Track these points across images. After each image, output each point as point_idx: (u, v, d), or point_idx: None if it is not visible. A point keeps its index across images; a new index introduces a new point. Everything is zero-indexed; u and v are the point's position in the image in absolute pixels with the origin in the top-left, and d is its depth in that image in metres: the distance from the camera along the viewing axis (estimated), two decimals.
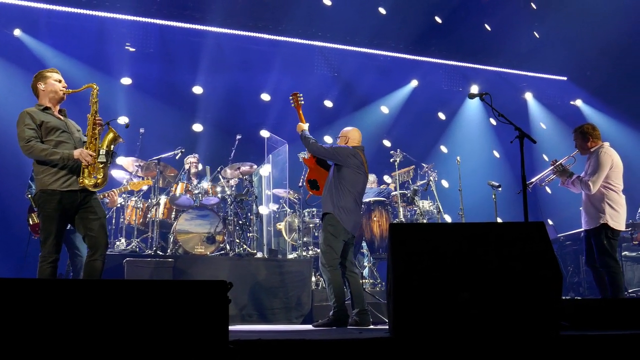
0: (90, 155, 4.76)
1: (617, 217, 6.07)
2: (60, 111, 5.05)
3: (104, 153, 4.84)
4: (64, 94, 5.01)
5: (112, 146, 4.94)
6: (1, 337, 2.64)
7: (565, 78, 13.30)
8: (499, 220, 8.64)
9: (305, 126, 6.51)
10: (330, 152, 6.17)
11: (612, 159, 6.16)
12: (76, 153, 4.72)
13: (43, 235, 4.68)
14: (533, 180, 6.59)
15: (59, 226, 4.69)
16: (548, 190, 13.03)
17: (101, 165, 4.81)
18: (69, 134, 4.89)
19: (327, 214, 6.07)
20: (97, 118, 4.96)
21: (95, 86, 5.10)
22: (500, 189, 8.49)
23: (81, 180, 4.74)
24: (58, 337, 2.70)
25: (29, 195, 6.88)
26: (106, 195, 7.52)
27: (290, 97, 6.66)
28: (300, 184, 8.56)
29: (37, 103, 5.01)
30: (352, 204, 6.06)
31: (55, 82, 4.99)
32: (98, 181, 4.78)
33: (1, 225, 9.18)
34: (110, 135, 4.95)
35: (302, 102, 6.65)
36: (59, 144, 4.80)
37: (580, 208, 6.40)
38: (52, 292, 2.79)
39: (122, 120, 7.58)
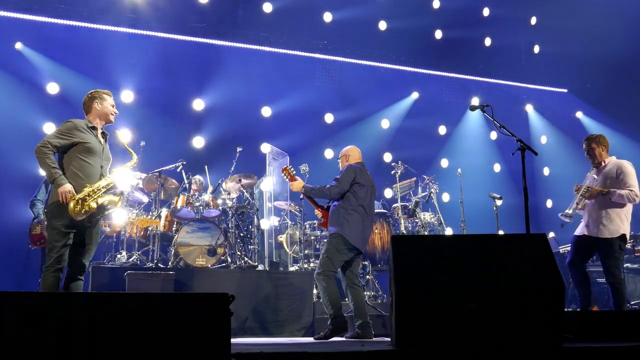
0: (73, 200, 4.73)
1: (628, 229, 6.16)
2: (103, 134, 5.15)
3: (97, 205, 4.84)
4: (112, 120, 5.20)
5: (109, 206, 4.92)
6: (8, 349, 2.63)
7: (565, 90, 13.33)
8: (501, 232, 8.62)
9: (299, 184, 6.48)
10: (344, 181, 6.12)
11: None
12: (62, 189, 4.72)
13: (49, 246, 4.75)
14: (569, 211, 6.34)
15: (65, 239, 4.74)
16: (549, 203, 13.04)
17: (92, 207, 4.81)
18: (100, 159, 5.00)
19: (333, 233, 6.08)
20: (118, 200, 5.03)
21: (134, 164, 5.33)
22: (501, 201, 8.48)
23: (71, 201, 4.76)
24: (60, 349, 2.68)
25: (42, 207, 6.99)
26: (108, 224, 7.64)
27: (282, 174, 6.78)
28: (301, 197, 8.54)
29: (86, 118, 5.10)
30: (359, 220, 6.07)
31: (110, 106, 5.14)
32: (77, 212, 4.75)
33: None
34: (114, 199, 4.95)
35: (294, 172, 6.76)
36: (85, 166, 4.89)
37: (585, 217, 6.35)
38: (55, 304, 2.78)
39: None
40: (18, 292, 2.82)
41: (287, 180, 6.82)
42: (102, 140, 5.08)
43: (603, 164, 6.38)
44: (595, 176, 6.37)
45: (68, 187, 4.72)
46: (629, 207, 6.17)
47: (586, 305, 6.14)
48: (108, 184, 4.92)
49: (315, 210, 6.67)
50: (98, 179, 4.92)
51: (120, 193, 5.10)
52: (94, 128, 5.03)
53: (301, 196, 7.90)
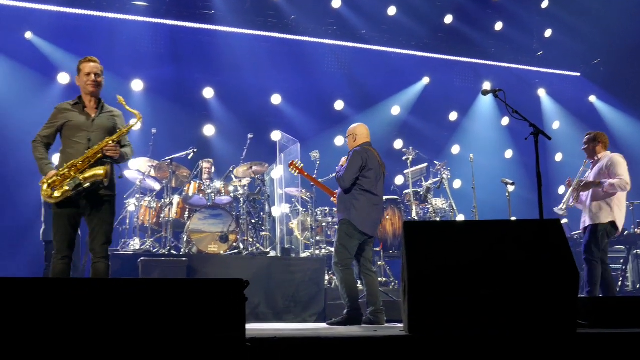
0: (58, 176, 4.60)
1: (621, 217, 6.54)
2: (99, 103, 4.91)
3: (75, 183, 4.58)
4: (93, 89, 4.84)
5: (89, 183, 4.60)
6: (23, 336, 2.66)
7: (578, 74, 13.19)
8: (513, 218, 8.58)
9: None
10: (353, 167, 6.04)
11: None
12: (45, 177, 4.66)
13: (52, 232, 4.72)
14: (563, 206, 7.02)
15: (64, 226, 4.67)
16: (562, 189, 12.96)
17: (66, 189, 4.58)
18: (87, 133, 4.77)
19: (342, 219, 6.06)
20: (109, 147, 4.72)
21: (139, 118, 4.94)
22: (514, 187, 8.43)
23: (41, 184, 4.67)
24: (75, 336, 2.71)
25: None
26: (121, 176, 7.70)
27: (290, 168, 6.84)
28: (312, 184, 8.56)
29: (78, 95, 4.92)
30: (367, 204, 6.02)
31: (84, 76, 4.83)
32: (50, 195, 4.61)
33: (19, 228, 9.26)
34: (99, 172, 4.64)
35: (302, 165, 6.82)
36: (70, 144, 4.76)
37: (583, 211, 6.72)
38: (69, 291, 2.80)
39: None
40: (35, 278, 2.84)
41: (295, 174, 6.82)
42: (92, 112, 4.84)
43: (596, 158, 6.75)
44: (589, 170, 6.82)
45: (50, 174, 4.65)
46: (621, 196, 6.55)
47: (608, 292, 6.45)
48: (86, 157, 4.64)
49: (331, 198, 6.68)
50: (82, 153, 4.68)
51: (110, 162, 4.77)
52: (77, 104, 4.85)
53: (312, 184, 7.95)
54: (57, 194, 4.58)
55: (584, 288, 6.44)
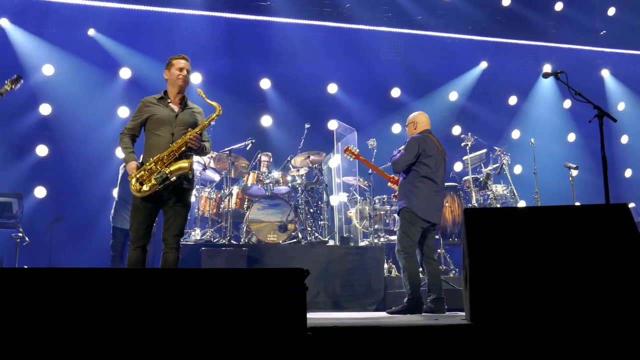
0: (146, 171, 4.73)
1: None
2: (182, 100, 5.05)
3: (162, 177, 4.69)
4: (182, 84, 4.99)
5: (175, 177, 4.72)
6: (99, 322, 2.76)
7: None
8: (577, 204, 8.34)
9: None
10: (409, 153, 6.03)
11: None
12: (127, 166, 4.83)
13: (130, 222, 4.88)
14: None
15: (141, 216, 4.80)
16: (628, 172, 12.53)
17: (154, 183, 4.70)
18: (170, 128, 4.89)
19: (403, 208, 6.03)
20: (193, 138, 4.83)
21: (219, 110, 5.07)
22: (577, 171, 8.19)
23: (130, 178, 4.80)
24: (138, 324, 2.79)
25: None
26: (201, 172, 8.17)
27: (345, 154, 6.86)
28: (369, 172, 8.55)
29: (164, 90, 5.08)
30: (428, 191, 5.99)
31: (177, 70, 4.98)
32: (138, 189, 4.73)
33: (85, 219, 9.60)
34: (184, 165, 4.76)
35: (357, 151, 6.83)
36: (154, 138, 4.88)
37: None
38: (138, 280, 2.89)
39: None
40: (104, 268, 2.94)
41: (351, 160, 6.84)
42: (175, 107, 4.99)
43: None
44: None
45: (132, 164, 4.80)
46: None
47: None
48: (171, 150, 4.77)
49: (389, 183, 6.65)
50: (166, 148, 4.81)
51: (191, 154, 4.89)
52: (162, 98, 4.98)
53: (370, 171, 7.92)
54: (145, 187, 4.72)
55: None
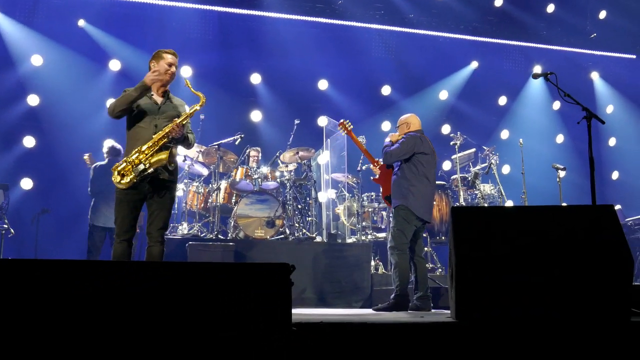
0: (128, 163, 4.69)
1: None
2: (165, 93, 5.03)
3: (140, 169, 4.68)
4: (169, 79, 4.99)
5: (153, 168, 4.70)
6: (81, 314, 2.74)
7: (634, 56, 12.72)
8: (564, 204, 8.38)
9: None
10: (404, 147, 6.09)
11: None
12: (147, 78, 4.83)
13: (114, 215, 4.84)
14: None
15: (126, 209, 4.78)
16: (615, 174, 12.61)
17: (132, 175, 4.68)
18: (154, 119, 4.87)
19: (398, 206, 6.04)
20: (177, 127, 4.82)
21: (203, 100, 5.05)
22: (565, 172, 8.24)
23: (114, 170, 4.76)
24: (122, 317, 2.77)
25: None
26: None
27: (339, 127, 6.89)
28: (358, 169, 8.56)
29: None
30: (424, 189, 6.06)
31: (166, 65, 4.94)
32: (119, 182, 4.71)
33: (71, 213, 9.53)
34: (162, 157, 4.73)
35: (352, 127, 6.85)
36: (136, 129, 4.85)
37: None
38: (122, 273, 2.87)
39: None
40: (91, 260, 2.92)
41: (344, 134, 6.86)
42: (158, 99, 4.97)
43: None
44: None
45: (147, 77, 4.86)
46: None
47: None
48: (154, 142, 4.74)
49: (372, 165, 6.68)
50: (149, 139, 4.77)
51: (173, 146, 4.84)
52: (147, 89, 4.90)
53: (359, 167, 7.95)
54: (125, 180, 4.70)
55: None
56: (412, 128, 6.31)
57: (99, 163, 8.19)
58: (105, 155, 8.23)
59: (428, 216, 6.13)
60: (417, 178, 6.03)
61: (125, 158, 4.77)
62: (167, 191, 4.90)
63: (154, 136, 4.79)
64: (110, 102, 4.96)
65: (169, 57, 4.97)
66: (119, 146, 8.07)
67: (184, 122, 4.91)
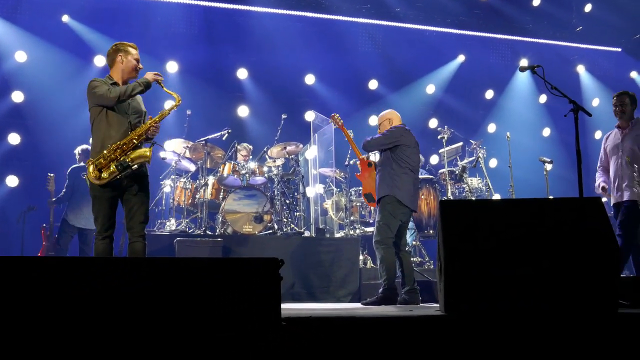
0: (104, 159, 4.62)
1: None
2: None
3: (123, 165, 4.58)
4: (137, 75, 4.94)
5: (137, 165, 4.64)
6: (64, 312, 2.71)
7: (619, 49, 12.79)
8: (551, 197, 8.42)
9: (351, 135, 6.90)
10: (387, 137, 6.16)
11: None
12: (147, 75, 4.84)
13: (94, 214, 4.77)
14: None
15: (104, 206, 4.71)
16: None
17: (113, 170, 4.60)
18: (127, 114, 4.81)
19: (385, 196, 6.05)
20: (155, 127, 4.77)
21: (178, 101, 4.96)
22: (551, 165, 8.28)
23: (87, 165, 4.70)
24: (111, 314, 2.75)
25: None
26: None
27: (330, 121, 6.99)
28: (346, 163, 8.56)
29: (108, 75, 4.96)
30: (410, 182, 6.09)
31: (134, 60, 4.91)
32: (97, 177, 4.61)
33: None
34: (146, 153, 4.69)
35: (342, 122, 6.95)
36: (110, 125, 4.74)
37: (616, 182, 6.54)
38: (111, 269, 2.84)
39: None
40: (76, 257, 2.89)
41: (335, 127, 6.89)
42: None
43: (630, 125, 6.44)
44: (620, 139, 6.49)
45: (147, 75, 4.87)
46: None
47: None
48: (131, 138, 4.68)
49: (358, 162, 6.77)
50: (125, 135, 4.71)
51: (152, 144, 4.80)
52: (115, 84, 4.84)
53: (346, 162, 7.98)
54: (104, 175, 4.61)
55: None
56: (394, 123, 6.40)
57: (73, 166, 8.21)
58: (77, 157, 8.29)
59: (414, 205, 6.18)
60: (402, 169, 6.07)
61: (101, 153, 4.65)
62: (143, 184, 4.84)
63: (131, 133, 4.73)
64: (96, 82, 4.83)
65: (135, 53, 4.96)
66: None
67: (158, 121, 4.86)
